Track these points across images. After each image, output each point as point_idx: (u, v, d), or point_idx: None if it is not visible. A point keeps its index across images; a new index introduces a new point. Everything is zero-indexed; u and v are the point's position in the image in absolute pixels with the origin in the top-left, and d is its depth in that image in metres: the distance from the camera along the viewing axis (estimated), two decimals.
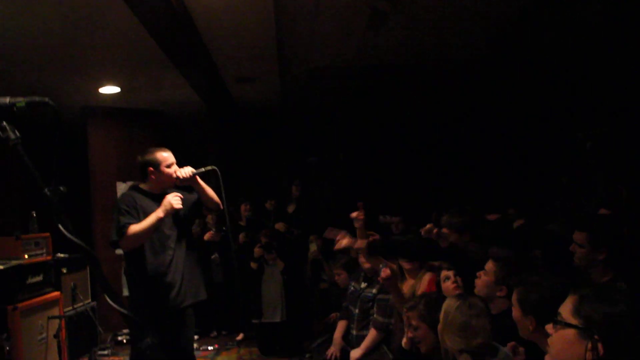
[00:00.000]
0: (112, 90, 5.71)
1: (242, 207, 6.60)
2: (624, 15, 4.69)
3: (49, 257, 4.70)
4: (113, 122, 6.54)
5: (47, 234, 4.76)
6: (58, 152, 1.47)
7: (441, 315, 2.22)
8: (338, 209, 7.92)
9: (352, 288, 4.16)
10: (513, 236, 4.61)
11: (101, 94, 5.79)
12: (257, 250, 5.65)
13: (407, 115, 8.37)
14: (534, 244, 3.77)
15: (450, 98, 7.56)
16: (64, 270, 5.04)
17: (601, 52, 5.56)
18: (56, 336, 4.22)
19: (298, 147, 8.78)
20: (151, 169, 3.15)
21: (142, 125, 6.65)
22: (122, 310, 1.35)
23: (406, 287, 3.48)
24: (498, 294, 2.50)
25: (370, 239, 3.54)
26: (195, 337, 5.91)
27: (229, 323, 6.29)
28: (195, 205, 3.34)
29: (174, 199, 3.01)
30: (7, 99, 1.39)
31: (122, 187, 6.22)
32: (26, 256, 4.44)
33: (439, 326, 2.23)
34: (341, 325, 4.20)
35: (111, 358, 5.33)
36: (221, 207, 3.30)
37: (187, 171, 3.16)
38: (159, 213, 2.99)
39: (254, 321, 5.67)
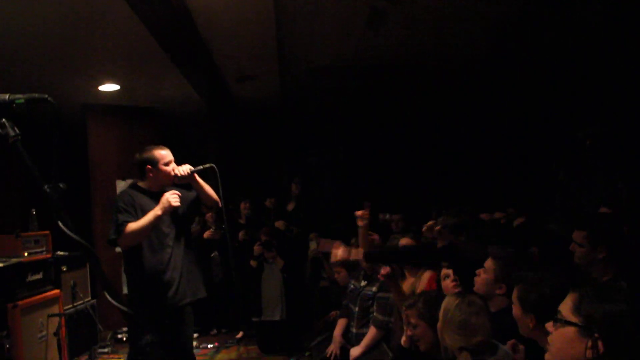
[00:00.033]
0: (112, 88, 5.70)
1: (242, 205, 6.60)
2: (623, 15, 4.69)
3: (48, 255, 4.70)
4: (113, 120, 6.53)
5: (47, 232, 4.76)
6: (58, 149, 1.47)
7: (440, 313, 2.22)
8: (338, 207, 7.95)
9: (352, 286, 4.17)
10: (512, 234, 4.62)
11: (101, 91, 5.79)
12: (256, 248, 5.65)
13: (406, 114, 8.37)
14: (532, 242, 3.78)
15: (449, 97, 7.56)
16: (64, 268, 5.05)
17: (601, 52, 5.56)
18: (56, 334, 4.22)
19: (298, 146, 8.78)
20: (149, 167, 3.14)
21: (141, 123, 6.64)
22: (121, 307, 1.35)
23: (406, 285, 3.48)
24: (497, 291, 2.50)
25: (366, 249, 3.56)
26: (195, 335, 5.91)
27: (229, 321, 6.30)
28: (194, 203, 3.33)
29: (172, 197, 3.01)
30: (7, 96, 1.39)
31: (121, 185, 6.21)
32: (26, 254, 4.44)
33: (439, 324, 2.23)
34: (341, 323, 4.20)
35: (111, 356, 5.33)
36: (220, 205, 3.29)
37: (185, 169, 3.15)
38: (157, 211, 2.98)
39: (254, 319, 5.68)
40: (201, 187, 3.24)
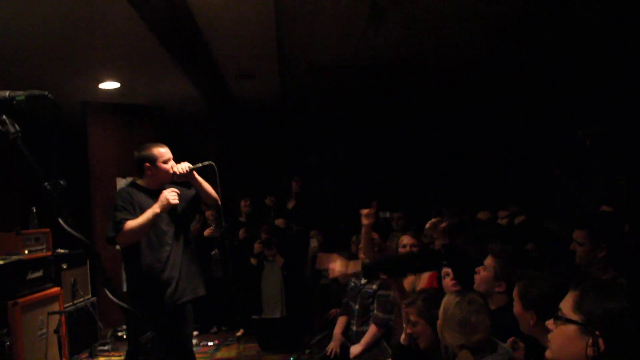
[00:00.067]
0: (112, 86, 5.70)
1: (242, 203, 6.60)
2: (623, 15, 4.69)
3: (49, 253, 4.70)
4: (113, 118, 6.53)
5: (47, 230, 4.76)
6: (58, 146, 1.47)
7: (440, 311, 2.22)
8: (338, 206, 7.96)
9: (352, 284, 4.17)
10: (511, 233, 4.62)
11: (101, 89, 5.79)
12: (257, 246, 5.65)
13: (406, 113, 8.37)
14: (530, 239, 3.78)
15: (449, 96, 7.56)
16: (64, 266, 5.05)
17: (601, 52, 5.56)
18: (56, 332, 4.23)
19: (298, 144, 8.78)
20: (148, 164, 3.13)
21: (142, 122, 6.64)
22: (121, 303, 1.35)
23: (406, 283, 3.48)
24: (497, 289, 2.49)
25: (368, 248, 3.55)
26: (195, 332, 5.92)
27: (229, 319, 6.30)
28: (193, 200, 3.32)
29: (170, 194, 3.00)
30: (7, 93, 1.39)
31: (122, 183, 6.21)
32: (26, 252, 4.44)
33: (439, 322, 2.23)
34: (341, 321, 4.19)
35: (111, 353, 5.33)
36: (219, 202, 3.29)
37: (184, 167, 3.15)
38: (155, 209, 2.97)
39: (254, 317, 5.68)
40: (200, 185, 3.23)
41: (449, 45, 5.38)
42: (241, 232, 6.18)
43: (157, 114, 6.83)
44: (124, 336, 5.76)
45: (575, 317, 1.39)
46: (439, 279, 3.06)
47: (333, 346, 4.06)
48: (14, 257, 4.22)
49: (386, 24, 4.71)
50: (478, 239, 3.53)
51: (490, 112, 8.07)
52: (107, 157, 6.47)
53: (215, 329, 6.30)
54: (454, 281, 2.82)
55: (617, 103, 6.17)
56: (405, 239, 3.59)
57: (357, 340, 3.78)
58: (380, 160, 8.64)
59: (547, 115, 7.39)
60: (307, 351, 5.15)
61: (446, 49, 5.51)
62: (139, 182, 3.22)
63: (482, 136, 8.31)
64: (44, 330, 4.31)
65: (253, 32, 4.48)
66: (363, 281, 4.00)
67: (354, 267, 2.99)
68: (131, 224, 2.97)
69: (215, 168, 3.12)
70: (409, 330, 2.62)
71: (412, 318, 2.57)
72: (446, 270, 2.93)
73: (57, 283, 4.74)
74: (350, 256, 4.76)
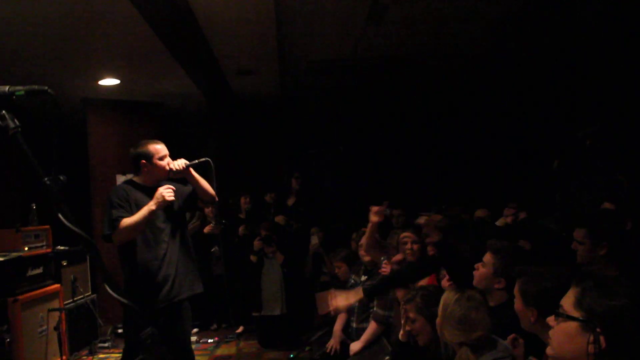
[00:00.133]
0: (112, 83, 5.70)
1: (242, 200, 6.60)
2: (623, 15, 4.69)
3: (49, 250, 4.71)
4: (113, 115, 6.53)
5: (47, 227, 4.76)
6: (58, 141, 1.47)
7: (440, 309, 2.21)
8: (338, 204, 7.95)
9: (352, 281, 4.17)
10: (507, 230, 4.62)
11: (101, 86, 5.78)
12: (256, 243, 5.65)
13: (406, 111, 8.37)
14: (525, 237, 3.76)
15: (449, 95, 7.56)
16: (64, 263, 5.05)
17: (600, 52, 5.56)
18: (56, 328, 4.23)
19: (298, 140, 8.78)
20: (144, 161, 3.11)
21: (141, 118, 6.64)
22: (121, 299, 1.35)
23: None
24: (496, 286, 2.47)
25: (372, 245, 3.54)
26: (195, 330, 5.93)
27: (229, 316, 6.30)
28: (190, 197, 3.29)
29: (166, 191, 2.96)
30: (7, 88, 1.38)
31: (121, 180, 6.18)
32: (26, 248, 4.45)
33: (438, 319, 2.23)
34: (341, 318, 4.20)
35: (111, 350, 5.34)
36: (216, 199, 3.27)
37: (180, 163, 3.13)
38: (151, 206, 2.94)
39: (254, 314, 5.68)
40: (197, 182, 3.21)
41: (449, 44, 5.38)
42: (241, 229, 6.18)
43: (157, 110, 6.82)
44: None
45: (576, 313, 1.38)
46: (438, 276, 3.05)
47: (333, 343, 4.07)
48: (14, 254, 4.22)
49: (386, 22, 4.71)
50: (473, 237, 3.51)
51: (489, 112, 8.06)
52: (107, 154, 6.46)
53: (215, 326, 6.30)
54: (450, 282, 2.81)
55: (617, 103, 6.16)
56: (406, 237, 3.58)
57: (357, 337, 3.78)
58: (379, 158, 8.64)
59: (547, 115, 7.38)
60: (307, 348, 5.15)
61: (446, 48, 5.51)
62: (135, 179, 3.20)
63: (482, 135, 8.30)
64: (44, 327, 4.31)
65: (253, 30, 4.47)
66: (363, 278, 4.00)
67: (356, 295, 2.96)
68: (127, 221, 2.94)
69: (212, 164, 3.10)
70: (407, 327, 2.62)
71: (411, 315, 2.57)
72: (444, 271, 2.93)
73: (57, 280, 4.75)
74: (351, 254, 4.76)
